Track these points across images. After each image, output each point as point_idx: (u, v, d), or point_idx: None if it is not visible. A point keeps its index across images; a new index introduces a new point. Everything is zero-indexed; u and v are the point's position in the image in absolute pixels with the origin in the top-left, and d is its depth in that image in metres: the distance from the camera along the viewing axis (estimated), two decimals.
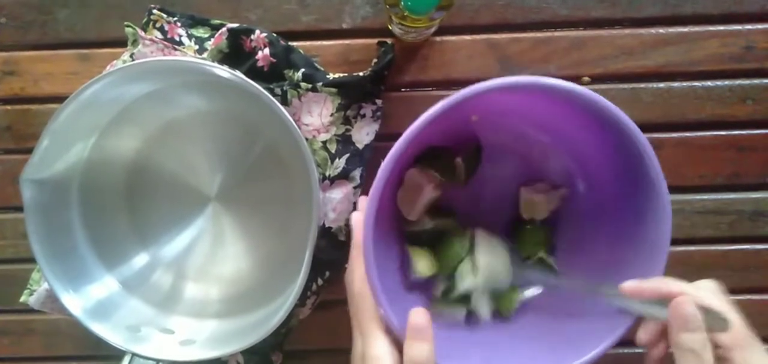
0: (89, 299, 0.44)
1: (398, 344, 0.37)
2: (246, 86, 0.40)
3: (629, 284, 0.36)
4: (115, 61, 0.47)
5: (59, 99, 0.49)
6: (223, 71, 0.40)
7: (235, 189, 0.49)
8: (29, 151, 0.41)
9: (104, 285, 0.46)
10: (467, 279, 0.43)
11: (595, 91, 0.47)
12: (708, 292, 0.35)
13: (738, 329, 0.33)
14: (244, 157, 0.48)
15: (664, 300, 0.34)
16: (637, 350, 0.51)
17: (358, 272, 0.39)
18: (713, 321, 0.32)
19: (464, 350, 0.42)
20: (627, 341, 0.50)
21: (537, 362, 0.40)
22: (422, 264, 0.43)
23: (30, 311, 0.49)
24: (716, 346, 0.33)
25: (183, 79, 0.44)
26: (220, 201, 0.49)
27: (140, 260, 0.49)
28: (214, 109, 0.47)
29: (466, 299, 0.44)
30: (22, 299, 0.49)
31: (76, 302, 0.43)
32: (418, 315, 0.36)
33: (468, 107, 0.41)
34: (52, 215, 0.44)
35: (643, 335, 0.37)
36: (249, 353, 0.48)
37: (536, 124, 0.44)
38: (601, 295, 0.37)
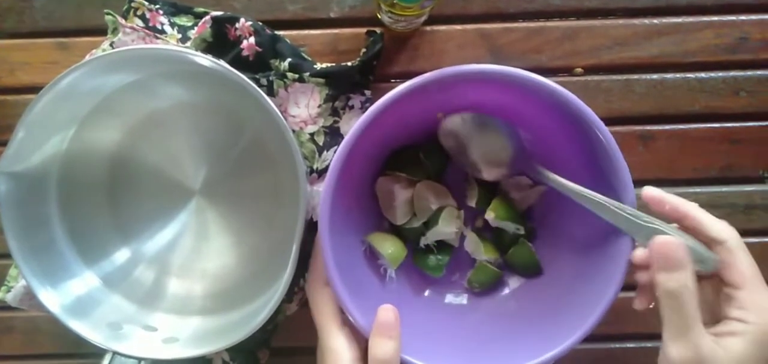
0: (68, 295, 0.43)
1: (357, 337, 0.38)
2: (230, 76, 0.38)
3: (651, 191, 0.37)
4: (94, 50, 0.46)
5: (36, 89, 0.47)
6: (207, 60, 0.38)
7: (219, 182, 0.47)
8: (4, 143, 0.39)
9: (84, 281, 0.45)
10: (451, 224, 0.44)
11: (589, 82, 0.48)
12: (723, 232, 0.35)
13: (746, 269, 0.34)
14: (228, 149, 0.47)
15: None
16: (627, 345, 0.51)
17: (313, 268, 0.40)
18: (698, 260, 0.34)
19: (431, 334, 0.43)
20: (617, 335, 0.50)
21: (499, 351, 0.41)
22: (389, 248, 0.43)
23: (8, 308, 0.47)
24: (725, 284, 0.34)
25: (165, 68, 0.42)
26: (204, 195, 0.48)
27: (121, 255, 0.48)
28: (198, 100, 0.46)
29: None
30: None
31: (54, 299, 0.41)
32: (386, 312, 0.36)
33: (433, 104, 0.41)
34: (29, 209, 0.42)
35: (639, 253, 0.36)
36: (234, 350, 0.47)
37: (514, 122, 0.43)
38: (611, 209, 0.37)
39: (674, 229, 0.36)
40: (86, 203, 0.46)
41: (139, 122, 0.46)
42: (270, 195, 0.47)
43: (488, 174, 0.44)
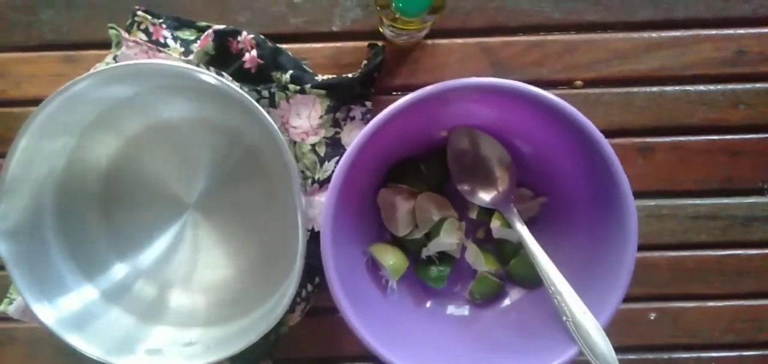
0: (65, 309, 0.43)
1: None
2: (228, 90, 0.39)
3: None
4: (98, 64, 0.46)
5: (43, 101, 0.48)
6: (205, 75, 0.39)
7: (217, 195, 0.48)
8: None
9: (81, 295, 0.45)
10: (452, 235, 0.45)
11: (589, 95, 0.48)
12: None
13: None
14: (225, 161, 0.47)
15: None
16: (629, 356, 0.51)
17: None
18: None
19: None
20: (619, 347, 0.50)
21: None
22: (391, 259, 0.43)
23: (10, 319, 0.47)
24: None
25: (163, 82, 0.43)
26: (200, 207, 0.48)
27: (119, 269, 0.48)
28: (194, 113, 0.46)
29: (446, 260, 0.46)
30: (1, 308, 0.47)
31: (50, 313, 0.42)
32: None
33: (434, 117, 0.42)
34: (26, 224, 0.42)
35: None
36: (236, 359, 0.46)
37: (514, 134, 0.44)
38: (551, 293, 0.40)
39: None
40: (83, 217, 0.47)
41: (134, 136, 0.47)
42: (267, 205, 0.47)
43: (486, 196, 0.45)
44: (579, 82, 0.48)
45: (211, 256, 0.48)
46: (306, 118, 0.45)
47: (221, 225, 0.48)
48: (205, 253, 0.48)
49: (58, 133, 0.42)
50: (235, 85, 0.39)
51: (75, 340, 0.41)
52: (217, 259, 0.48)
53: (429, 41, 0.48)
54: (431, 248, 0.45)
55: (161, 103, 0.45)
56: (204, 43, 0.45)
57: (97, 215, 0.48)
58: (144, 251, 0.48)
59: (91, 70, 0.46)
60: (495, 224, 0.44)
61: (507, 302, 0.46)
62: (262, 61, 0.45)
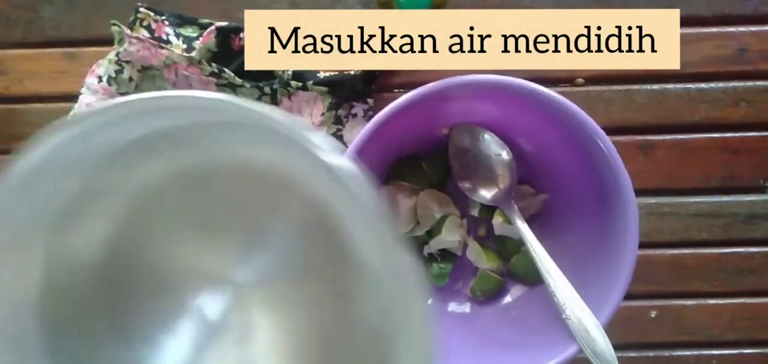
0: None
1: None
2: (267, 123, 0.25)
3: None
4: (100, 60, 0.46)
5: (44, 98, 0.48)
6: (232, 104, 0.25)
7: (263, 266, 0.34)
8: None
9: None
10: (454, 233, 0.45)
11: (590, 92, 0.48)
12: None
13: None
14: (270, 220, 0.34)
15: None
16: (630, 354, 0.51)
17: None
18: None
19: None
20: (620, 345, 0.50)
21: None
22: None
23: None
24: None
25: (175, 121, 0.28)
26: (245, 287, 0.34)
27: None
28: (221, 160, 0.32)
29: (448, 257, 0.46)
30: None
31: None
32: None
33: (436, 114, 0.42)
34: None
35: None
36: None
37: (515, 132, 0.44)
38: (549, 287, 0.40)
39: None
40: (80, 331, 0.32)
41: (136, 204, 0.32)
42: (338, 268, 0.33)
43: (487, 193, 0.45)
44: (580, 80, 0.48)
45: (268, 347, 0.34)
46: (308, 115, 0.46)
47: (278, 304, 0.35)
48: (258, 343, 0.34)
49: (19, 235, 0.28)
50: (278, 114, 0.25)
51: None
52: (276, 352, 0.35)
53: None
54: (433, 246, 0.45)
55: (165, 153, 0.31)
56: (206, 39, 0.45)
57: (99, 321, 0.33)
58: (169, 357, 0.34)
59: (94, 67, 0.46)
60: (496, 221, 0.44)
61: (508, 299, 0.46)
62: None
